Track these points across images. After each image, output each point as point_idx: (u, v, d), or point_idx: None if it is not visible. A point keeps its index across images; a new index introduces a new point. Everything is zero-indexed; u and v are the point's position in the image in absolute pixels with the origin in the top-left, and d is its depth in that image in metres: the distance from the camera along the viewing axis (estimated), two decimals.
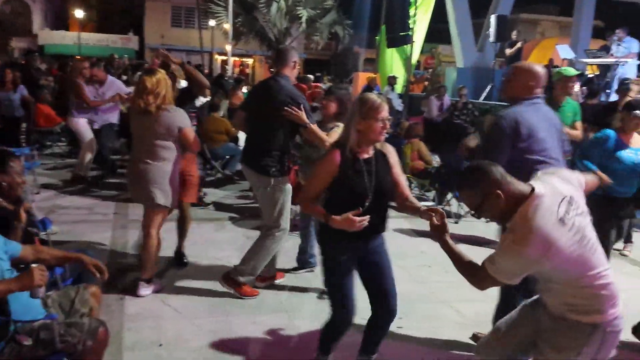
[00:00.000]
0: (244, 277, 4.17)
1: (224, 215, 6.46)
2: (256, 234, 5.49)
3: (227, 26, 20.88)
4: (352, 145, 2.76)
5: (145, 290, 4.14)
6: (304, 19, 21.18)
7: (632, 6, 18.56)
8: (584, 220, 2.16)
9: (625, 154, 4.27)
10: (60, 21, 37.08)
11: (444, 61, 17.96)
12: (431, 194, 7.57)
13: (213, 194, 7.34)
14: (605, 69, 11.78)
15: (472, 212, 2.31)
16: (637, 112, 4.27)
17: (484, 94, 13.53)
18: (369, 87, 14.47)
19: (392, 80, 14.28)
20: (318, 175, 2.82)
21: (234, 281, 4.18)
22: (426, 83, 17.73)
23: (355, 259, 2.87)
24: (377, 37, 17.87)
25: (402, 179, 2.94)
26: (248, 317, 3.87)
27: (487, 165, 2.25)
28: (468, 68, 15.41)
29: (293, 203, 4.33)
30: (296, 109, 3.93)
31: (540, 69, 3.37)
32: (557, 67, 13.15)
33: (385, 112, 2.74)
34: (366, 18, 26.67)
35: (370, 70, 21.24)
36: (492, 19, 13.83)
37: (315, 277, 4.55)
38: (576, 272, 2.15)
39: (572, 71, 5.29)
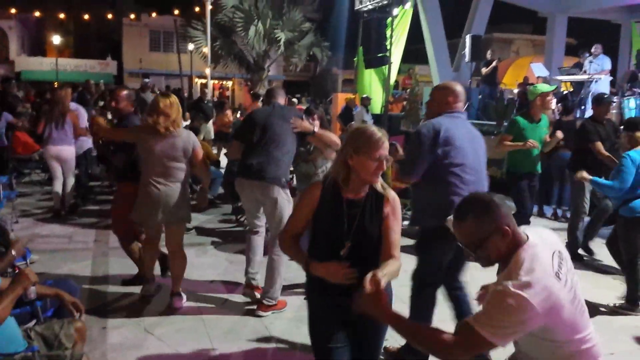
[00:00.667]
0: (275, 296, 4.36)
1: (206, 240, 6.43)
2: (239, 258, 5.52)
3: (206, 50, 20.97)
4: (338, 182, 2.36)
5: (182, 301, 4.43)
6: (282, 42, 21.36)
7: (603, 24, 19.04)
8: (574, 278, 1.96)
9: None
10: (38, 47, 36.87)
11: (422, 81, 18.17)
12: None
13: (195, 218, 7.24)
14: (579, 85, 12.04)
15: (467, 250, 1.95)
16: None
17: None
18: (348, 108, 14.61)
19: (365, 101, 14.47)
20: (298, 207, 2.49)
21: (268, 306, 4.34)
22: (404, 103, 17.93)
23: (341, 321, 2.38)
24: (355, 59, 18.08)
25: (393, 235, 2.36)
26: (233, 343, 3.84)
27: (495, 197, 1.97)
28: None
29: None
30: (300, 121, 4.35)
31: (458, 87, 3.58)
32: (532, 84, 13.46)
33: (384, 150, 2.31)
34: (344, 40, 27.00)
35: (349, 91, 21.43)
36: (467, 39, 14.08)
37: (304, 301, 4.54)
38: (564, 334, 1.89)
39: (547, 87, 5.45)
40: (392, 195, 2.41)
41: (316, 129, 4.41)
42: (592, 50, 11.64)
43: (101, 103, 12.45)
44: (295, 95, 23.91)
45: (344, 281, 2.20)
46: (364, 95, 14.98)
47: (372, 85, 16.73)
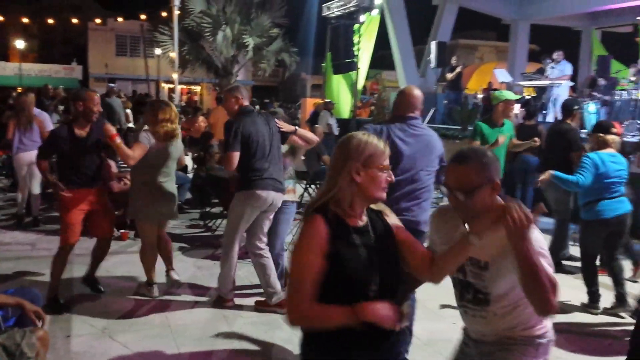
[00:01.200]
0: (276, 296, 4.45)
1: (173, 245, 6.36)
2: (207, 263, 5.50)
3: (173, 55, 20.81)
4: (343, 208, 1.91)
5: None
6: (250, 47, 21.32)
7: (564, 31, 19.58)
8: None
9: None
10: (0, 52, 36.04)
11: (389, 86, 18.38)
12: None
13: None
14: (541, 90, 12.36)
15: (460, 192, 1.93)
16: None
17: (428, 117, 13.92)
18: (316, 113, 14.68)
19: (329, 106, 14.59)
20: (305, 259, 1.82)
21: (270, 305, 4.47)
22: (372, 108, 18.11)
23: None
24: (323, 64, 18.18)
25: (409, 237, 2.05)
26: (201, 349, 3.83)
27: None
28: None
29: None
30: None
31: (415, 91, 3.65)
32: (496, 89, 13.74)
33: (387, 159, 1.97)
34: (312, 46, 27.14)
35: (317, 96, 21.53)
36: (433, 45, 14.32)
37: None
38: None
39: (512, 95, 5.58)
40: (382, 204, 2.06)
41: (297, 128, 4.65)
42: (554, 56, 11.97)
43: (61, 108, 12.23)
44: (264, 100, 23.89)
45: (393, 326, 1.80)
46: (327, 100, 15.16)
47: (340, 91, 16.86)
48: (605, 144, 4.75)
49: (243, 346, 3.93)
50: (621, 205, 4.65)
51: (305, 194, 8.90)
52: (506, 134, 5.73)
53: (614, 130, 4.80)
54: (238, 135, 4.24)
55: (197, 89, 36.18)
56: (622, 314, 4.72)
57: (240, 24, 21.43)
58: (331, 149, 7.58)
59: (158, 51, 24.04)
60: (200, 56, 22.45)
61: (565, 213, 5.95)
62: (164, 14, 23.59)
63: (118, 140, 4.34)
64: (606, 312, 4.79)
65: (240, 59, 22.85)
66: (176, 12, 19.78)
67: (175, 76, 21.44)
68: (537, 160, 6.99)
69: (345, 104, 16.64)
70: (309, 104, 17.45)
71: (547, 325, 2.14)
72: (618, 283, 4.76)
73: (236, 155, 4.24)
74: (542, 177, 4.89)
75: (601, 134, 4.80)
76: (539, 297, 1.82)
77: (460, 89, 14.68)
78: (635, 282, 5.57)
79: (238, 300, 4.64)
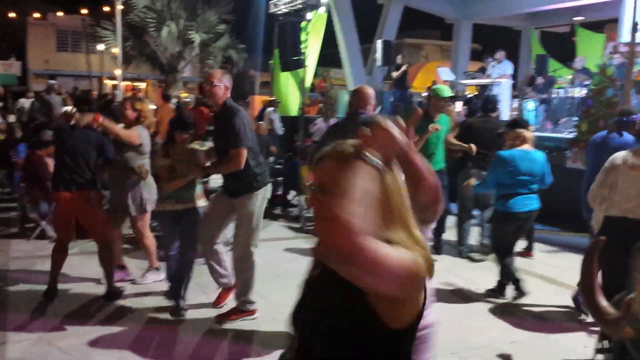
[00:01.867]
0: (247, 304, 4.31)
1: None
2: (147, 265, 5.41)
3: (116, 50, 20.31)
4: None
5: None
6: (196, 43, 21.02)
7: (505, 30, 20.17)
8: None
9: None
10: None
11: (336, 84, 18.48)
12: None
13: None
14: (483, 89, 12.71)
15: None
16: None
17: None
18: (273, 108, 14.64)
19: (273, 103, 14.57)
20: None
21: (242, 311, 4.30)
22: (321, 105, 18.17)
23: None
24: (271, 61, 18.12)
25: None
26: (143, 354, 3.78)
27: None
28: None
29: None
30: None
31: (367, 90, 4.10)
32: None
33: None
34: (261, 42, 26.92)
35: (266, 93, 21.42)
36: (378, 44, 14.50)
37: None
38: None
39: (446, 92, 5.74)
40: None
41: None
42: (497, 56, 12.33)
43: (0, 104, 11.77)
44: None
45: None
46: (272, 98, 15.15)
47: (289, 88, 16.84)
48: (520, 141, 4.97)
49: (184, 350, 3.90)
50: (531, 202, 4.91)
51: None
52: (443, 128, 5.95)
53: (529, 127, 5.07)
54: (247, 127, 4.07)
55: (142, 85, 35.39)
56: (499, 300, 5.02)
57: (185, 19, 21.10)
58: (262, 142, 7.66)
59: (101, 47, 23.37)
60: (145, 52, 22.00)
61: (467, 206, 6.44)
62: (106, 8, 22.92)
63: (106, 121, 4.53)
64: (492, 293, 5.13)
65: (186, 55, 22.50)
66: (119, 7, 19.31)
67: (118, 72, 20.92)
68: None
69: (293, 102, 16.64)
70: (258, 101, 17.36)
71: None
72: (505, 272, 5.01)
73: (246, 152, 4.07)
74: (465, 184, 5.57)
75: (516, 131, 5.03)
76: None
77: (405, 87, 14.92)
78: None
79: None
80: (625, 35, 7.54)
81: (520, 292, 4.99)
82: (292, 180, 8.67)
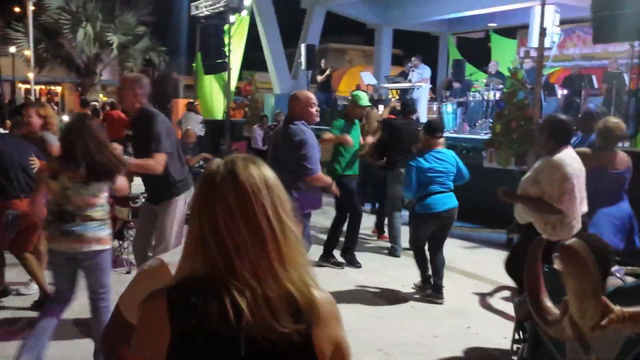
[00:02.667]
0: None
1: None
2: None
3: (29, 53, 19.33)
4: None
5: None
6: (115, 45, 20.37)
7: (424, 36, 20.83)
8: None
9: None
10: None
11: (262, 88, 18.44)
12: None
13: None
14: (404, 93, 13.05)
15: None
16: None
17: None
18: (192, 111, 14.38)
19: (191, 107, 14.36)
20: None
21: None
22: (246, 109, 18.06)
23: None
24: (194, 64, 17.83)
25: None
26: None
27: None
28: (284, 94, 16.04)
29: None
30: None
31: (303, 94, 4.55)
32: (364, 91, 14.31)
33: None
34: (185, 45, 26.39)
35: (191, 96, 21.04)
36: (302, 48, 14.60)
37: None
38: None
39: (364, 102, 5.86)
40: None
41: None
42: (413, 61, 12.71)
43: None
44: None
45: None
46: (190, 101, 14.94)
47: (213, 92, 16.63)
48: (433, 143, 5.17)
49: None
50: (450, 200, 5.08)
51: None
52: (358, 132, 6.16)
53: (439, 134, 5.28)
54: (167, 132, 3.95)
55: (58, 89, 33.81)
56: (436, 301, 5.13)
57: (103, 21, 20.41)
58: (194, 151, 7.59)
59: (12, 49, 22.16)
60: (60, 54, 21.09)
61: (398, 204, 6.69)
62: (17, 9, 21.77)
63: None
64: (418, 288, 5.31)
65: (104, 57, 21.76)
66: (30, 8, 18.40)
67: (31, 75, 19.91)
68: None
69: (218, 105, 16.44)
70: (181, 104, 17.02)
71: None
72: (437, 274, 5.15)
73: (165, 157, 3.92)
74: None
75: (429, 134, 5.22)
76: None
77: (330, 91, 15.09)
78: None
79: None
80: (534, 41, 7.96)
81: (438, 294, 5.15)
82: None
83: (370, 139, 6.39)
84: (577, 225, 3.81)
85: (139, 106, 4.00)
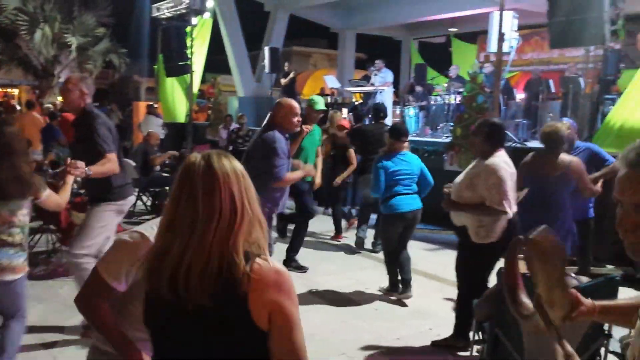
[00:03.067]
0: None
1: None
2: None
3: None
4: None
5: None
6: (73, 47, 19.89)
7: (387, 40, 21.04)
8: None
9: None
10: None
11: (226, 90, 18.30)
12: None
13: None
14: (367, 96, 13.14)
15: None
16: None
17: (265, 121, 14.11)
18: (152, 114, 14.16)
19: (151, 110, 14.16)
20: None
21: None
22: (209, 112, 17.89)
23: None
24: (155, 67, 17.58)
25: None
26: None
27: None
28: (248, 97, 15.98)
29: None
30: None
31: (289, 103, 4.70)
32: (327, 95, 14.36)
33: None
34: (146, 47, 25.98)
35: (153, 99, 20.74)
36: (266, 51, 14.56)
37: None
38: None
39: (320, 105, 5.88)
40: None
41: None
42: (375, 65, 12.82)
43: None
44: (93, 103, 22.39)
45: None
46: (150, 103, 14.73)
47: (175, 94, 16.41)
48: (399, 147, 5.26)
49: None
50: (414, 202, 5.19)
51: (139, 203, 8.52)
52: (316, 138, 6.29)
53: (403, 137, 5.37)
54: (111, 133, 3.91)
55: (15, 91, 32.87)
56: (404, 299, 5.21)
57: (61, 22, 19.91)
58: (139, 151, 7.46)
59: None
60: (17, 56, 20.50)
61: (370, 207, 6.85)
62: None
63: None
64: (385, 292, 5.34)
65: (62, 59, 21.24)
66: None
67: None
68: (359, 158, 7.46)
69: (180, 108, 16.23)
70: (142, 107, 16.74)
71: None
72: (404, 270, 5.24)
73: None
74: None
75: (394, 138, 5.31)
76: None
77: (294, 94, 15.05)
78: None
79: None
80: (493, 46, 8.12)
81: (406, 290, 5.21)
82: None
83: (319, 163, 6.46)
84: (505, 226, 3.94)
85: (82, 106, 3.94)
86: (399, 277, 5.28)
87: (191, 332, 1.45)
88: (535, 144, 8.39)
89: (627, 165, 1.24)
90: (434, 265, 6.34)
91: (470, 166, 4.15)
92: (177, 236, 1.44)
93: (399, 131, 5.37)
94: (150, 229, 1.90)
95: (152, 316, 1.53)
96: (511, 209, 3.90)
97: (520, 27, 9.11)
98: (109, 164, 3.84)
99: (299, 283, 5.57)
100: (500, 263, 3.50)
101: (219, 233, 1.43)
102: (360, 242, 7.04)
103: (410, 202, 5.16)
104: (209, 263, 1.41)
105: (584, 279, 3.14)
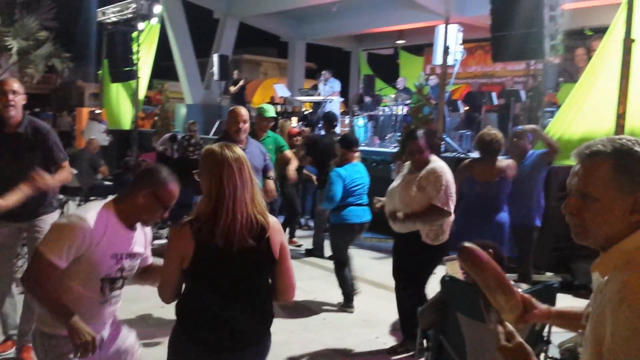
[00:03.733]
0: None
1: None
2: None
3: None
4: None
5: None
6: (14, 50, 19.19)
7: (336, 51, 21.24)
8: None
9: None
10: None
11: (174, 97, 18.02)
12: (165, 231, 7.48)
13: None
14: (317, 105, 13.21)
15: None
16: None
17: (214, 129, 13.97)
18: (95, 120, 13.78)
19: (94, 115, 13.79)
20: None
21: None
22: (156, 118, 17.55)
23: None
24: (99, 72, 17.14)
25: None
26: None
27: None
28: (196, 104, 15.78)
29: None
30: None
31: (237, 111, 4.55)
32: (277, 103, 14.35)
33: None
34: (92, 52, 25.28)
35: (97, 105, 20.18)
36: (215, 58, 14.44)
37: None
38: None
39: (269, 113, 5.86)
40: None
41: None
42: (323, 75, 12.92)
43: None
44: (34, 109, 21.62)
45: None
46: (93, 109, 14.37)
47: (120, 100, 16.01)
48: (350, 157, 5.27)
49: None
50: (365, 214, 5.20)
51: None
52: (270, 147, 6.08)
53: (355, 147, 5.41)
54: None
55: None
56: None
57: (1, 25, 19.18)
58: (87, 159, 7.24)
59: None
60: None
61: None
62: None
63: None
64: (341, 308, 5.29)
65: (2, 63, 20.44)
66: None
67: None
68: (315, 170, 7.46)
69: (126, 115, 15.85)
70: (85, 113, 16.28)
71: None
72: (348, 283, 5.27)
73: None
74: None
75: (346, 148, 5.32)
76: None
77: (244, 102, 14.97)
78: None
79: None
80: (439, 58, 8.31)
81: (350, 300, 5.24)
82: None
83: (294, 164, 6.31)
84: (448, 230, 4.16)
85: (23, 115, 3.71)
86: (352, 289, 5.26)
87: (237, 265, 2.16)
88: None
89: (579, 158, 1.41)
90: (380, 274, 6.38)
91: (404, 170, 4.27)
92: (221, 203, 2.11)
93: (350, 141, 5.37)
94: (85, 211, 2.36)
95: (206, 260, 2.13)
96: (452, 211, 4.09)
97: (464, 41, 9.36)
98: (65, 173, 3.74)
99: None
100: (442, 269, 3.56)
101: (249, 197, 2.17)
102: (317, 247, 7.09)
103: (360, 214, 5.15)
104: (248, 217, 2.15)
105: (524, 286, 3.24)
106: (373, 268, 6.64)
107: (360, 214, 5.15)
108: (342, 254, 5.25)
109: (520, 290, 3.04)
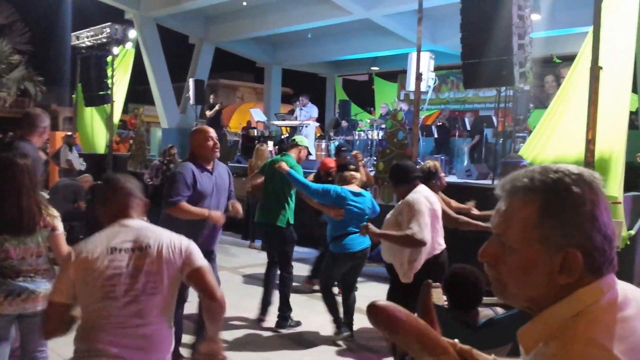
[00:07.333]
0: None
1: None
2: None
3: None
4: None
5: None
6: None
7: (313, 76, 21.47)
8: None
9: None
10: None
11: (150, 121, 17.94)
12: None
13: None
14: (294, 130, 13.27)
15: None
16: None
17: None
18: (69, 145, 13.57)
19: (69, 140, 13.63)
20: None
21: None
22: (131, 142, 17.42)
23: None
24: (74, 95, 17.01)
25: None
26: None
27: None
28: (172, 128, 15.74)
29: None
30: None
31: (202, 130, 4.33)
32: (255, 128, 14.39)
33: None
34: (67, 76, 25.12)
35: (71, 129, 19.96)
36: (191, 82, 14.47)
37: None
38: None
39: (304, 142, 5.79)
40: None
41: None
42: (300, 100, 13.04)
43: None
44: (8, 133, 21.27)
45: None
46: (68, 134, 14.18)
47: (95, 124, 15.88)
48: (345, 181, 5.13)
49: None
50: (364, 240, 5.01)
51: None
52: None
53: (352, 167, 5.32)
54: None
55: None
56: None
57: None
58: (74, 187, 7.02)
59: None
60: None
61: None
62: None
63: None
64: (337, 336, 5.17)
65: None
66: None
67: None
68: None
69: (100, 139, 15.71)
70: (59, 137, 16.07)
71: None
72: (349, 313, 5.18)
73: None
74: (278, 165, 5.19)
75: (340, 172, 5.28)
76: None
77: (220, 126, 14.96)
78: None
79: None
80: (412, 84, 8.45)
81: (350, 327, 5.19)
82: (93, 225, 7.98)
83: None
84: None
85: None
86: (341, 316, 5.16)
87: None
88: (452, 178, 8.72)
89: (502, 193, 1.10)
90: (360, 299, 6.33)
91: (396, 205, 4.30)
92: None
93: (345, 165, 5.32)
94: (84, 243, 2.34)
95: None
96: (429, 240, 4.01)
97: (437, 68, 9.54)
98: None
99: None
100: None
101: None
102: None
103: (360, 241, 4.99)
104: None
105: (500, 310, 3.22)
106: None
107: (360, 241, 4.99)
108: (333, 282, 5.19)
109: (494, 314, 3.06)
